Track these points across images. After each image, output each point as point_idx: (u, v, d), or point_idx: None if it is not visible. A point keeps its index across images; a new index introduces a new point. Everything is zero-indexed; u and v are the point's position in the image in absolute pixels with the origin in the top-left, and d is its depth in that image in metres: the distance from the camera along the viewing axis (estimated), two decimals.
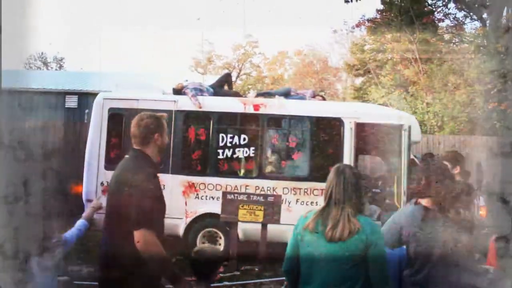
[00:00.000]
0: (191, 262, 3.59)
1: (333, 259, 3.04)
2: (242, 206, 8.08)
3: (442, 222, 3.46)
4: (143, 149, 3.46)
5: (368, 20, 23.39)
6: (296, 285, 3.27)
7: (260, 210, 7.87)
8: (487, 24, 17.79)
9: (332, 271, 3.05)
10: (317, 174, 8.38)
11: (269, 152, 8.64)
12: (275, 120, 8.65)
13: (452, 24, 21.81)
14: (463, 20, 21.57)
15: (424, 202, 3.59)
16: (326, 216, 3.10)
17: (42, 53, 40.09)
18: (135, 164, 3.40)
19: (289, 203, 8.26)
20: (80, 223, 3.85)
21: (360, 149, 9.16)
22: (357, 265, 3.02)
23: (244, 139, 8.49)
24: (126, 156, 3.57)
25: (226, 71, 39.99)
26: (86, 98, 19.99)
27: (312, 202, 8.24)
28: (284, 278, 3.52)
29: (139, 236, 3.14)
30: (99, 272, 3.46)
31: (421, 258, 3.44)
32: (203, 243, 8.42)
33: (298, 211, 8.18)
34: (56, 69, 39.01)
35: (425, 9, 20.75)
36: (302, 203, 8.27)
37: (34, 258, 3.29)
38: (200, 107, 8.49)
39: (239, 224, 8.02)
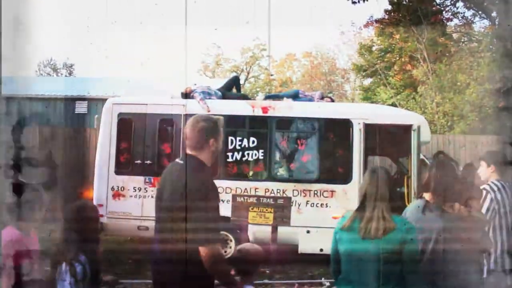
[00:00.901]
0: (234, 260, 3.62)
1: (368, 257, 3.10)
2: (252, 209, 8.07)
3: (438, 216, 3.49)
4: (197, 155, 3.21)
5: (376, 21, 23.31)
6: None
7: (270, 212, 7.86)
8: (496, 22, 17.67)
9: (368, 268, 3.11)
10: (326, 175, 8.38)
11: (278, 155, 8.64)
12: (284, 123, 8.66)
13: (461, 23, 21.69)
14: (472, 19, 21.43)
15: (427, 196, 3.64)
16: (361, 215, 3.16)
17: (51, 59, 40.39)
18: (199, 174, 3.15)
19: (299, 205, 8.25)
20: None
21: (370, 150, 9.14)
22: (392, 263, 3.08)
23: (253, 142, 8.51)
24: (178, 161, 3.33)
25: (234, 74, 40.11)
26: (95, 103, 20.13)
27: (322, 204, 8.24)
28: (294, 281, 3.56)
29: (207, 252, 2.98)
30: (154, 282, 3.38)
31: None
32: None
33: (308, 213, 8.20)
34: (66, 75, 39.27)
35: (433, 8, 20.62)
36: (312, 205, 8.27)
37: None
38: (209, 111, 8.51)
39: (250, 226, 8.03)
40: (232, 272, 3.28)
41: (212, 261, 3.00)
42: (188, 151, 3.24)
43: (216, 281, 3.23)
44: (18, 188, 3.38)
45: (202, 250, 2.98)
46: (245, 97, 9.80)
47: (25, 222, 3.42)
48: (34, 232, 3.54)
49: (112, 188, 8.50)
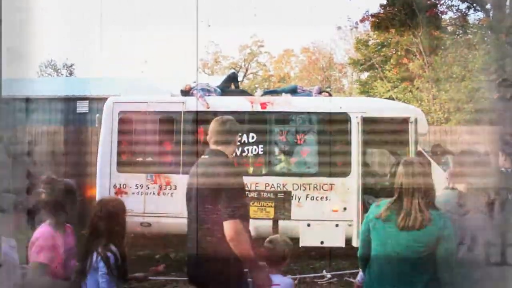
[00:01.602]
0: (264, 250, 3.82)
1: (404, 248, 3.15)
2: (253, 203, 8.20)
3: (473, 206, 3.61)
4: (223, 150, 3.65)
5: (372, 15, 23.40)
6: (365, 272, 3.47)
7: (271, 206, 7.99)
8: (491, 14, 17.78)
9: (402, 260, 3.16)
10: (325, 169, 8.48)
11: (277, 149, 8.73)
12: (283, 118, 8.74)
13: (456, 16, 21.79)
14: (466, 11, 21.53)
15: (460, 187, 3.74)
16: (398, 206, 3.22)
17: (51, 60, 40.38)
18: (223, 163, 3.56)
19: (299, 199, 8.36)
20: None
21: (368, 143, 9.24)
22: (426, 256, 3.12)
23: (253, 137, 8.60)
24: (205, 156, 3.74)
25: (232, 70, 40.13)
26: (96, 103, 20.20)
27: (322, 197, 8.34)
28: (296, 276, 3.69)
29: (230, 225, 3.27)
30: (189, 263, 3.66)
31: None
32: None
33: (308, 206, 8.31)
34: (66, 75, 39.27)
35: (428, 2, 20.74)
36: (312, 198, 8.37)
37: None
38: (208, 107, 8.61)
39: (251, 221, 8.11)
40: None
41: (234, 233, 3.25)
42: (214, 147, 3.69)
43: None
44: (50, 184, 3.49)
45: (225, 224, 3.27)
46: (245, 92, 9.87)
47: (59, 218, 3.49)
48: (70, 227, 3.61)
49: (114, 186, 8.59)
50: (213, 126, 3.74)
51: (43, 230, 3.40)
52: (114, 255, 3.42)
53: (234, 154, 3.84)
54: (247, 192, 3.69)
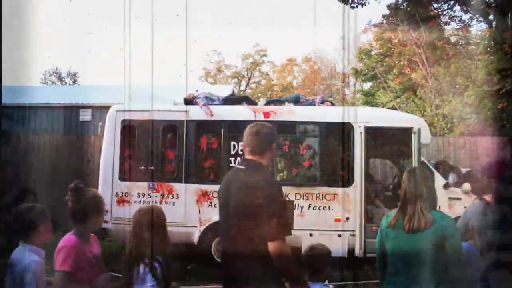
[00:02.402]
0: (304, 258, 3.83)
1: (413, 250, 3.35)
2: None
3: (499, 215, 3.88)
4: (258, 159, 3.40)
5: (375, 26, 23.48)
6: (384, 279, 3.59)
7: None
8: (493, 25, 17.81)
9: (414, 261, 3.35)
10: (328, 179, 8.47)
11: (280, 159, 8.72)
12: (286, 127, 8.73)
13: (458, 27, 21.84)
14: (469, 22, 21.59)
15: (487, 197, 4.04)
16: (403, 212, 3.41)
17: (56, 68, 40.55)
18: (262, 176, 3.37)
19: (302, 208, 8.33)
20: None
21: (371, 153, 9.22)
22: (436, 256, 3.29)
23: None
24: (240, 166, 3.51)
25: (235, 80, 40.23)
26: (99, 111, 20.27)
27: (324, 207, 8.31)
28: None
29: (275, 246, 3.12)
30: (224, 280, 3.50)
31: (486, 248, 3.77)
32: (218, 250, 8.54)
33: (310, 216, 8.28)
34: (70, 84, 39.41)
35: (431, 13, 20.80)
36: (314, 208, 8.34)
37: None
38: (212, 116, 8.61)
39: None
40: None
41: (280, 256, 3.14)
42: (249, 157, 3.43)
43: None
44: (78, 193, 3.44)
45: (271, 245, 3.12)
46: (247, 99, 9.85)
47: (85, 227, 3.48)
48: (94, 236, 3.59)
49: (117, 194, 8.58)
50: (246, 134, 3.46)
51: (69, 238, 3.40)
52: (160, 265, 3.47)
53: (268, 164, 3.56)
54: (284, 201, 3.54)
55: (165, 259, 3.54)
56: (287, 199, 3.15)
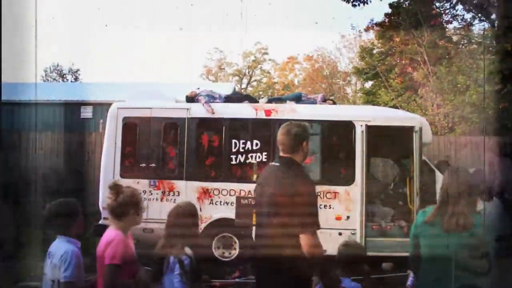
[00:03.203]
0: (339, 254, 3.95)
1: (450, 249, 3.39)
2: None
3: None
4: (292, 157, 3.64)
5: (377, 24, 23.43)
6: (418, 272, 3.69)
7: None
8: (496, 25, 17.77)
9: (451, 260, 3.38)
10: (329, 177, 8.46)
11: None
12: None
13: (460, 26, 21.79)
14: (471, 21, 21.52)
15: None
16: (443, 211, 3.44)
17: (57, 65, 40.55)
18: (294, 171, 3.58)
19: None
20: None
21: (372, 152, 9.21)
22: (470, 258, 3.34)
23: (257, 145, 8.59)
24: (274, 163, 3.78)
25: (236, 78, 40.24)
26: (100, 108, 20.30)
27: (325, 206, 8.30)
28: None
29: (306, 237, 3.33)
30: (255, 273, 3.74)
31: None
32: (218, 247, 8.55)
33: None
34: (71, 81, 39.40)
35: (433, 11, 20.75)
36: None
37: None
38: (213, 113, 8.61)
39: (254, 228, 8.08)
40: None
41: (311, 246, 3.32)
42: (283, 154, 3.70)
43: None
44: (116, 191, 3.63)
45: (302, 237, 3.33)
46: (248, 97, 9.85)
47: (125, 223, 3.65)
48: (130, 234, 3.74)
49: None
50: (279, 133, 3.75)
51: (115, 233, 3.57)
52: (189, 258, 3.68)
53: (303, 161, 3.75)
54: (316, 195, 3.66)
55: (195, 251, 3.76)
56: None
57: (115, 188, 3.64)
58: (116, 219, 3.62)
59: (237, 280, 7.66)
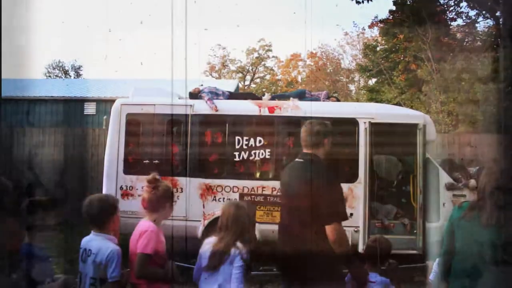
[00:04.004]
0: (368, 248, 4.12)
1: (488, 244, 3.39)
2: (259, 208, 8.19)
3: None
4: (315, 152, 3.87)
5: (381, 21, 23.38)
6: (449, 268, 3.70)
7: (277, 211, 7.95)
8: (500, 22, 17.68)
9: (487, 256, 3.38)
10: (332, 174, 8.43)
11: (285, 154, 8.70)
12: (290, 122, 8.71)
13: (465, 23, 21.71)
14: (476, 19, 21.45)
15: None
16: (481, 206, 3.45)
17: (59, 61, 40.58)
18: (318, 166, 3.77)
19: None
20: None
21: (375, 149, 9.18)
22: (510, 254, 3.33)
23: (260, 141, 8.58)
24: (298, 160, 3.95)
25: (239, 75, 40.21)
26: (104, 104, 20.32)
27: None
28: None
29: (332, 229, 3.50)
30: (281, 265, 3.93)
31: None
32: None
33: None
34: (74, 77, 39.44)
35: (437, 8, 20.67)
36: None
37: None
38: (216, 110, 8.60)
39: (257, 225, 8.10)
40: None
41: (337, 236, 3.49)
42: (305, 150, 3.93)
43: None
44: (154, 184, 3.80)
45: (328, 227, 3.51)
46: (251, 95, 9.85)
47: (159, 216, 3.82)
48: (161, 227, 3.87)
49: (121, 188, 8.59)
50: (302, 130, 3.98)
51: (148, 224, 3.72)
52: (246, 250, 3.85)
53: (325, 156, 3.95)
54: (341, 188, 3.89)
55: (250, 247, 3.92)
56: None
57: (154, 182, 3.81)
58: (151, 212, 3.78)
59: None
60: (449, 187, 8.71)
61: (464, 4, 20.80)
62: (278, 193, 8.36)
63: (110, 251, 3.50)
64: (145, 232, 3.64)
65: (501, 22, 17.62)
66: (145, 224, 3.74)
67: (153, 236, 3.64)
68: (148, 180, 3.84)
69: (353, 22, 57.06)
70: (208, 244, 3.92)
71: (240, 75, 41.18)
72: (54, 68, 40.49)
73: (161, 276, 3.70)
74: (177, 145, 8.79)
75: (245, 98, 9.31)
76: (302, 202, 3.64)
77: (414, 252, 8.10)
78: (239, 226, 3.89)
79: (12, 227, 3.33)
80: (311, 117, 8.68)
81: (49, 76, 38.89)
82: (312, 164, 3.77)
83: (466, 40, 21.94)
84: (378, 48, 25.81)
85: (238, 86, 28.91)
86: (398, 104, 19.95)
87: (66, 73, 40.73)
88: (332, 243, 3.48)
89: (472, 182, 8.52)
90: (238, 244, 3.82)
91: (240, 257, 3.76)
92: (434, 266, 3.99)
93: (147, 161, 8.71)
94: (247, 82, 41.12)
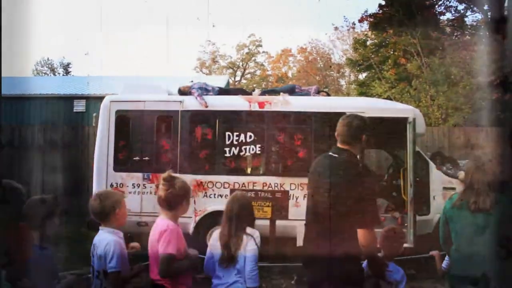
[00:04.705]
0: (383, 239, 4.14)
1: (479, 228, 3.67)
2: None
3: None
4: (349, 148, 3.66)
5: (370, 15, 23.41)
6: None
7: (268, 206, 7.95)
8: (489, 15, 17.78)
9: (479, 240, 3.65)
10: None
11: (275, 149, 8.70)
12: (281, 117, 8.70)
13: (454, 17, 21.80)
14: (464, 13, 21.54)
15: None
16: (469, 194, 3.78)
17: (48, 59, 40.26)
18: (353, 163, 3.62)
19: (297, 198, 8.34)
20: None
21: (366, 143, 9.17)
22: (501, 236, 3.45)
23: (250, 137, 8.57)
24: (332, 154, 3.72)
25: (230, 71, 40.14)
26: (94, 102, 20.22)
27: None
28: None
29: (364, 235, 3.37)
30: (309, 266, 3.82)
31: None
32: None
33: (305, 206, 8.27)
34: (63, 75, 39.15)
35: (426, 3, 20.74)
36: None
37: None
38: (206, 106, 8.58)
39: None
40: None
41: (369, 242, 3.38)
42: (340, 145, 3.71)
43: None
44: (170, 182, 3.78)
45: (360, 231, 3.37)
46: (242, 91, 9.84)
47: (176, 213, 3.83)
48: (179, 224, 3.90)
49: (111, 185, 8.54)
50: (339, 124, 3.77)
51: (167, 223, 3.72)
52: (257, 234, 4.01)
53: (360, 153, 3.87)
54: (374, 187, 3.88)
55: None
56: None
57: (170, 180, 3.78)
58: (168, 210, 3.78)
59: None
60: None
61: None
62: (268, 188, 8.37)
63: (107, 243, 3.56)
64: (165, 232, 3.65)
65: (489, 16, 17.74)
66: (163, 223, 3.74)
67: (174, 235, 3.66)
68: (163, 178, 3.82)
69: (344, 16, 57.14)
70: (218, 235, 4.03)
71: (231, 71, 41.12)
72: (42, 66, 40.17)
73: (187, 267, 3.77)
74: (168, 141, 8.76)
75: (235, 94, 9.28)
76: (334, 200, 3.48)
77: (406, 245, 8.14)
78: (248, 212, 4.10)
79: (26, 232, 3.38)
80: (299, 112, 8.72)
81: (38, 74, 38.58)
82: (348, 163, 3.59)
83: (455, 34, 22.01)
84: (368, 43, 25.83)
85: (228, 82, 28.86)
86: (388, 98, 19.99)
87: (54, 70, 40.43)
88: (362, 246, 3.37)
89: (462, 174, 8.56)
90: (249, 229, 3.97)
91: (253, 241, 3.91)
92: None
93: (137, 158, 8.68)
94: (237, 78, 41.06)
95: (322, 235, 3.58)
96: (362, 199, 3.40)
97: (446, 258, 4.14)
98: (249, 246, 3.89)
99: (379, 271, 3.73)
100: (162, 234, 3.64)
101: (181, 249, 3.73)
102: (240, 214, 4.03)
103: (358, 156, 3.75)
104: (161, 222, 3.75)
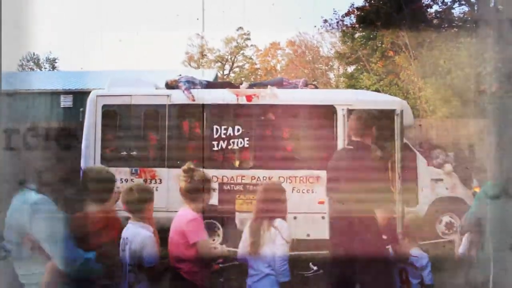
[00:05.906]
0: (408, 226, 4.33)
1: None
2: (239, 197, 8.17)
3: None
4: (362, 140, 4.13)
5: (357, 9, 23.42)
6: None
7: None
8: (475, 7, 17.86)
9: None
10: (311, 162, 8.45)
11: (263, 142, 8.68)
12: (268, 110, 8.69)
13: (441, 9, 21.85)
14: (452, 5, 21.60)
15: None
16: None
17: (34, 54, 39.83)
18: (366, 152, 4.08)
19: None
20: None
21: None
22: None
23: (238, 130, 8.55)
24: (348, 147, 4.28)
25: (218, 64, 40.04)
26: (81, 97, 20.05)
27: (307, 190, 8.33)
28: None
29: (381, 212, 3.81)
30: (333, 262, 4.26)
31: None
32: None
33: (294, 199, 8.27)
34: (49, 70, 38.79)
35: None
36: (298, 191, 8.35)
37: None
38: (194, 100, 8.55)
39: (237, 214, 8.09)
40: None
41: (386, 220, 3.78)
42: (354, 138, 4.19)
43: None
44: (190, 173, 3.89)
45: (377, 211, 3.80)
46: (230, 84, 9.81)
47: (198, 204, 3.91)
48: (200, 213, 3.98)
49: None
50: (350, 119, 4.28)
51: (192, 213, 3.84)
52: (286, 227, 4.04)
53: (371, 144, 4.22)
54: (387, 172, 4.69)
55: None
56: None
57: (190, 171, 3.89)
58: (190, 200, 3.88)
59: (220, 265, 7.64)
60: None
61: None
62: (256, 182, 8.36)
63: (143, 238, 3.61)
64: (194, 220, 3.80)
65: (475, 8, 17.82)
66: (188, 213, 3.85)
67: (202, 222, 3.85)
68: (183, 170, 3.92)
69: (333, 9, 56.99)
70: (248, 228, 4.13)
71: (219, 64, 41.00)
72: (28, 61, 39.74)
73: (218, 253, 4.10)
74: (155, 135, 8.72)
75: (223, 87, 9.25)
76: (352, 187, 3.89)
77: None
78: (277, 204, 4.13)
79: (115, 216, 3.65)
80: (287, 105, 8.71)
81: (23, 69, 38.20)
82: (361, 151, 4.04)
83: (443, 26, 22.07)
84: (356, 35, 25.83)
85: (217, 76, 28.77)
86: (376, 90, 20.03)
87: (40, 65, 40.01)
88: (381, 225, 3.76)
89: (448, 166, 8.63)
90: (277, 222, 4.00)
91: (281, 236, 3.95)
92: (463, 240, 4.20)
93: (124, 152, 8.63)
94: (226, 72, 40.96)
95: (347, 228, 4.00)
96: (377, 183, 3.84)
97: (464, 242, 4.21)
98: (277, 241, 3.96)
99: (403, 257, 4.00)
100: (192, 223, 3.78)
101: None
102: (268, 205, 4.09)
103: (370, 145, 4.14)
104: (185, 213, 3.86)
